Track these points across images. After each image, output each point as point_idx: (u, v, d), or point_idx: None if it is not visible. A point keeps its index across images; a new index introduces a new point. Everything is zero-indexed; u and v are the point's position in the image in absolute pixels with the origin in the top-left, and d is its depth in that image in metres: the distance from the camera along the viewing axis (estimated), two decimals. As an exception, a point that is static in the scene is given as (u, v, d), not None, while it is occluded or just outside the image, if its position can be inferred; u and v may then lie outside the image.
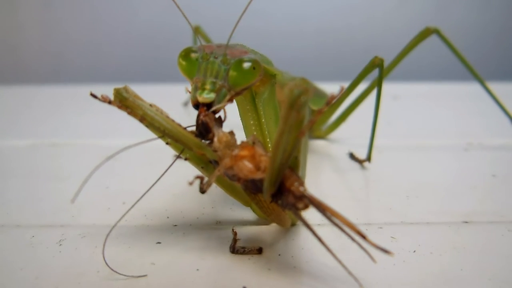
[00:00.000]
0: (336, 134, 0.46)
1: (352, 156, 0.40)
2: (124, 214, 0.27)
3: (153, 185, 0.26)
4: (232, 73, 0.24)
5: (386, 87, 0.39)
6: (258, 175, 0.23)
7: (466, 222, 0.29)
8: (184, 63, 0.25)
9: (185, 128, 0.25)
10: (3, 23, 0.79)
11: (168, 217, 0.30)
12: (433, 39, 0.41)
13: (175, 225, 0.29)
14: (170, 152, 0.40)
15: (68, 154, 0.42)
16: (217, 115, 0.25)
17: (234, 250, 0.26)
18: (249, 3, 0.25)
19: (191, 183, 0.24)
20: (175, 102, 0.57)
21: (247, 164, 0.24)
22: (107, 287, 0.23)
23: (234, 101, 0.29)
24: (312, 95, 0.22)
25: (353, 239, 0.22)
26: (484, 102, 0.44)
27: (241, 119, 0.31)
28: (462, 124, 0.50)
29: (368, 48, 0.79)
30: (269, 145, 0.30)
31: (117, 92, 0.24)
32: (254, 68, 0.25)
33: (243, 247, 0.26)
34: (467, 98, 0.59)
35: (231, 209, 0.31)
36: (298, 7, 0.79)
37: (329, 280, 0.23)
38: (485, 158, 0.40)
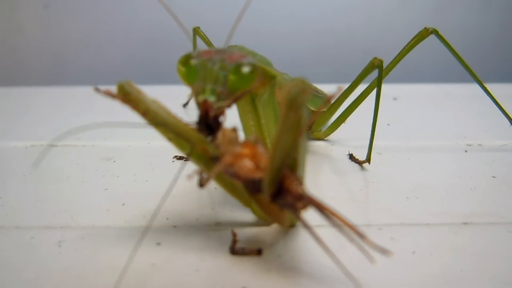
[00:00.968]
0: (335, 135, 0.46)
1: (351, 157, 0.40)
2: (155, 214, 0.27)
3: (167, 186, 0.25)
4: (231, 78, 0.24)
5: (386, 88, 0.39)
6: (258, 174, 0.23)
7: (466, 223, 0.29)
8: (183, 69, 0.25)
9: (187, 124, 0.25)
10: (3, 24, 0.79)
11: (167, 218, 0.30)
12: (432, 40, 0.41)
13: (175, 226, 0.29)
14: (170, 154, 0.40)
15: (67, 155, 0.42)
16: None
17: (233, 251, 0.26)
18: (248, 4, 0.25)
19: (190, 177, 0.24)
20: (175, 103, 0.57)
21: (248, 163, 0.24)
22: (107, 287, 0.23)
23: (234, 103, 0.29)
24: (310, 95, 0.22)
25: (352, 240, 0.22)
26: (483, 103, 0.44)
27: (240, 120, 0.31)
28: (462, 125, 0.50)
29: (368, 49, 0.79)
30: (269, 145, 0.30)
31: (121, 87, 0.24)
32: (252, 72, 0.25)
33: (242, 248, 0.26)
34: (467, 100, 0.59)
35: (230, 210, 0.31)
36: (297, 8, 0.79)
37: (328, 281, 0.23)
38: (485, 159, 0.40)
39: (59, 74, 0.82)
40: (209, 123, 0.24)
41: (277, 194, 0.23)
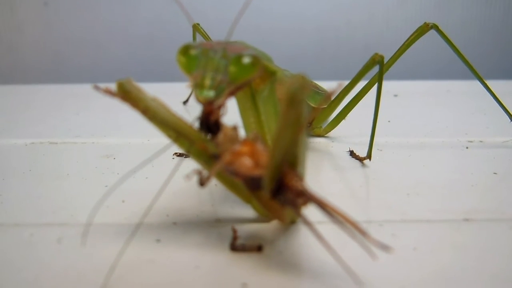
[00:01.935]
0: (336, 132, 0.45)
1: (352, 154, 0.40)
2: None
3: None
4: (232, 68, 0.24)
5: (386, 85, 0.39)
6: (258, 172, 0.23)
7: (467, 220, 0.29)
8: (183, 59, 0.25)
9: (187, 122, 0.25)
10: (3, 21, 0.79)
11: (167, 215, 0.30)
12: (433, 37, 0.41)
13: (175, 223, 0.29)
14: (170, 151, 0.40)
15: (67, 153, 0.42)
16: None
17: (233, 247, 0.26)
18: (249, 1, 0.25)
19: (188, 177, 0.24)
20: (174, 100, 0.57)
21: (247, 161, 0.24)
22: (107, 285, 0.23)
23: (234, 98, 0.29)
24: (310, 92, 0.22)
25: (353, 236, 0.21)
26: (484, 100, 0.44)
27: (241, 117, 0.31)
28: (462, 122, 0.50)
29: (368, 45, 0.79)
30: (269, 142, 0.30)
31: (120, 85, 0.24)
32: (253, 64, 0.25)
33: (242, 245, 0.26)
34: (468, 96, 0.59)
35: (230, 207, 0.31)
36: (298, 4, 0.79)
37: (329, 277, 0.23)
38: (486, 156, 0.40)
39: (58, 72, 0.82)
40: (210, 124, 0.24)
41: (278, 190, 0.23)
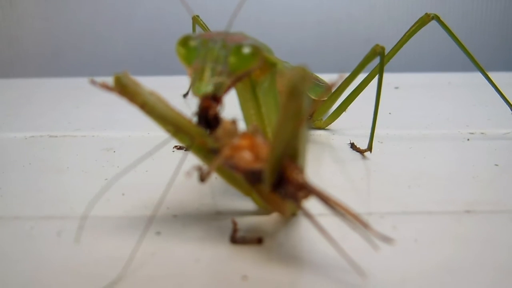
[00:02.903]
0: (337, 124, 0.45)
1: (353, 146, 0.40)
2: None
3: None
4: (232, 58, 0.24)
5: (387, 77, 0.39)
6: (258, 165, 0.23)
7: (468, 212, 0.29)
8: (182, 50, 0.25)
9: (186, 117, 0.25)
10: (2, 15, 0.79)
11: (168, 208, 0.30)
12: (434, 29, 0.41)
13: (175, 216, 0.29)
14: (170, 144, 0.39)
15: (67, 146, 0.42)
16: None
17: (234, 240, 0.26)
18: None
19: (188, 174, 0.24)
20: (174, 93, 0.57)
21: (247, 154, 0.23)
22: (107, 277, 0.23)
23: (234, 90, 0.29)
24: (310, 84, 0.22)
25: (354, 228, 0.21)
26: (486, 91, 0.44)
27: (241, 109, 0.31)
28: (464, 113, 0.50)
29: (370, 38, 0.78)
30: (270, 134, 0.30)
31: (117, 79, 0.24)
32: (254, 54, 0.24)
33: (243, 237, 0.26)
34: (469, 88, 0.59)
35: (231, 199, 0.31)
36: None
37: (330, 269, 0.23)
38: (487, 148, 0.40)
39: (58, 66, 0.82)
40: (209, 119, 0.24)
41: (278, 184, 0.23)
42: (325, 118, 0.45)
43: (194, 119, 0.25)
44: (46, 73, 0.79)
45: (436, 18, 0.39)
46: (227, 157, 0.23)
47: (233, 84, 0.25)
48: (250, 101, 0.31)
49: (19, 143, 0.43)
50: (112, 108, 0.52)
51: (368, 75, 0.40)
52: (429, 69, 0.76)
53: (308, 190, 0.22)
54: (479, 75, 0.42)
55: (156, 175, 0.35)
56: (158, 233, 0.27)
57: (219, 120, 0.24)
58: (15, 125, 0.48)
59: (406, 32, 0.40)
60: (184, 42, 0.25)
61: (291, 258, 0.24)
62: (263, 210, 0.29)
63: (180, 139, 0.27)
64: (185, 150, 0.39)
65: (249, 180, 0.25)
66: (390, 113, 0.49)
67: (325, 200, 0.22)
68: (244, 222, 0.28)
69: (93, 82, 0.24)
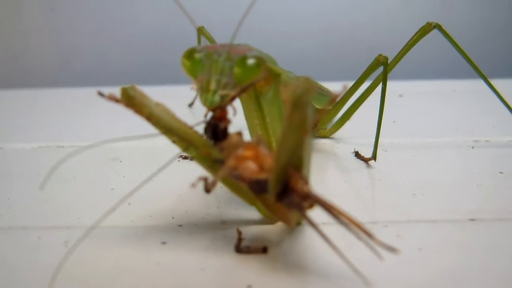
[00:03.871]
0: (341, 133, 0.45)
1: (357, 155, 0.40)
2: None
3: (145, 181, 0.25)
4: (236, 69, 0.25)
5: (391, 85, 0.39)
6: (262, 175, 0.24)
7: (473, 220, 0.29)
8: (188, 63, 0.25)
9: (191, 127, 0.26)
10: (9, 26, 0.80)
11: (173, 218, 0.30)
12: (437, 37, 0.41)
13: (180, 225, 0.29)
14: (175, 153, 0.40)
15: (74, 156, 0.42)
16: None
17: (238, 249, 0.26)
18: (253, 3, 0.25)
19: (193, 185, 0.24)
20: (180, 103, 0.57)
21: (251, 165, 0.24)
22: (113, 287, 0.23)
23: (239, 101, 0.29)
24: (315, 94, 0.22)
25: (359, 237, 0.21)
26: (490, 99, 0.44)
27: (245, 119, 0.31)
28: (468, 121, 0.50)
29: (373, 46, 0.79)
30: (274, 144, 0.30)
31: (124, 91, 0.25)
32: (258, 65, 0.25)
33: (247, 246, 0.26)
34: (474, 96, 0.59)
35: (236, 209, 0.31)
36: (301, 6, 0.79)
37: (334, 278, 0.23)
38: (492, 155, 0.40)
39: (65, 76, 0.83)
40: (218, 132, 0.24)
41: (283, 194, 0.23)
42: (329, 126, 0.45)
43: (202, 129, 0.25)
44: (53, 84, 0.80)
45: (438, 27, 0.39)
46: (232, 167, 0.24)
47: (238, 95, 0.25)
48: (254, 111, 0.31)
49: (27, 153, 0.43)
50: (119, 118, 0.53)
51: (371, 84, 0.40)
52: (433, 77, 0.76)
53: (312, 200, 0.23)
54: (483, 82, 0.42)
55: (162, 185, 0.35)
56: (164, 242, 0.27)
57: (227, 133, 0.25)
58: (23, 136, 0.49)
59: (408, 41, 0.40)
60: (189, 55, 0.26)
61: (296, 267, 0.25)
62: (268, 219, 0.29)
63: (186, 149, 0.27)
64: (190, 160, 0.39)
65: (254, 190, 0.25)
66: (394, 121, 0.49)
67: (329, 209, 0.22)
68: (249, 231, 0.28)
69: (101, 94, 0.25)
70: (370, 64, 0.39)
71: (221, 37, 0.38)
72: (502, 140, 0.43)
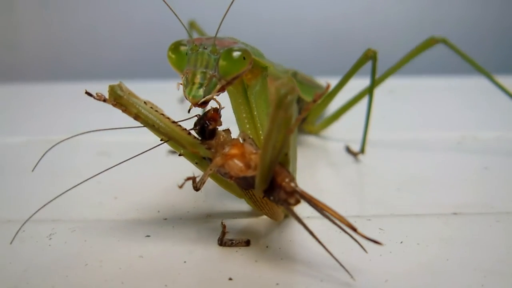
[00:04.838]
0: (330, 129, 0.46)
1: (348, 150, 0.40)
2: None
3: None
4: (222, 62, 0.25)
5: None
6: (249, 173, 0.24)
7: (456, 214, 0.29)
8: (173, 56, 0.25)
9: (179, 125, 0.25)
10: (2, 21, 0.79)
11: (159, 211, 0.30)
12: (428, 34, 0.40)
13: (165, 219, 0.29)
14: (163, 148, 0.40)
15: (63, 150, 0.42)
16: (208, 107, 0.26)
17: (222, 242, 0.26)
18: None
19: (180, 187, 0.24)
20: (170, 98, 0.57)
21: (237, 163, 0.24)
22: (94, 279, 0.23)
23: (227, 94, 0.29)
24: (298, 94, 0.22)
25: (344, 231, 0.22)
26: (478, 96, 0.44)
27: (234, 112, 0.31)
28: (455, 117, 0.50)
29: (367, 42, 0.78)
30: (261, 138, 0.30)
31: (112, 90, 0.25)
32: (243, 57, 0.25)
33: (231, 240, 0.26)
34: (462, 92, 0.59)
35: (222, 202, 0.31)
36: (295, 1, 0.79)
37: (316, 271, 0.23)
38: (478, 151, 0.40)
39: (58, 71, 0.83)
40: (206, 130, 0.24)
41: (270, 190, 0.23)
42: (317, 122, 0.45)
43: (192, 126, 0.25)
44: (45, 78, 0.80)
45: (444, 41, 0.39)
46: (219, 165, 0.24)
47: (224, 87, 0.25)
48: (242, 105, 0.31)
49: (15, 147, 0.43)
50: (108, 112, 0.53)
51: (365, 89, 0.40)
52: (423, 73, 0.77)
53: (299, 196, 0.23)
54: (472, 79, 0.42)
55: (149, 179, 0.35)
56: (148, 236, 0.27)
57: (215, 133, 0.25)
58: (12, 129, 0.49)
59: (409, 53, 0.40)
60: (175, 48, 0.26)
61: (277, 260, 0.25)
62: (254, 212, 0.29)
63: (174, 146, 0.27)
64: (179, 155, 0.39)
65: (241, 186, 0.25)
66: (383, 117, 0.50)
67: (315, 204, 0.23)
68: (234, 224, 0.28)
69: (88, 94, 0.25)
70: (359, 58, 0.39)
71: (213, 31, 0.38)
72: (488, 136, 0.43)
